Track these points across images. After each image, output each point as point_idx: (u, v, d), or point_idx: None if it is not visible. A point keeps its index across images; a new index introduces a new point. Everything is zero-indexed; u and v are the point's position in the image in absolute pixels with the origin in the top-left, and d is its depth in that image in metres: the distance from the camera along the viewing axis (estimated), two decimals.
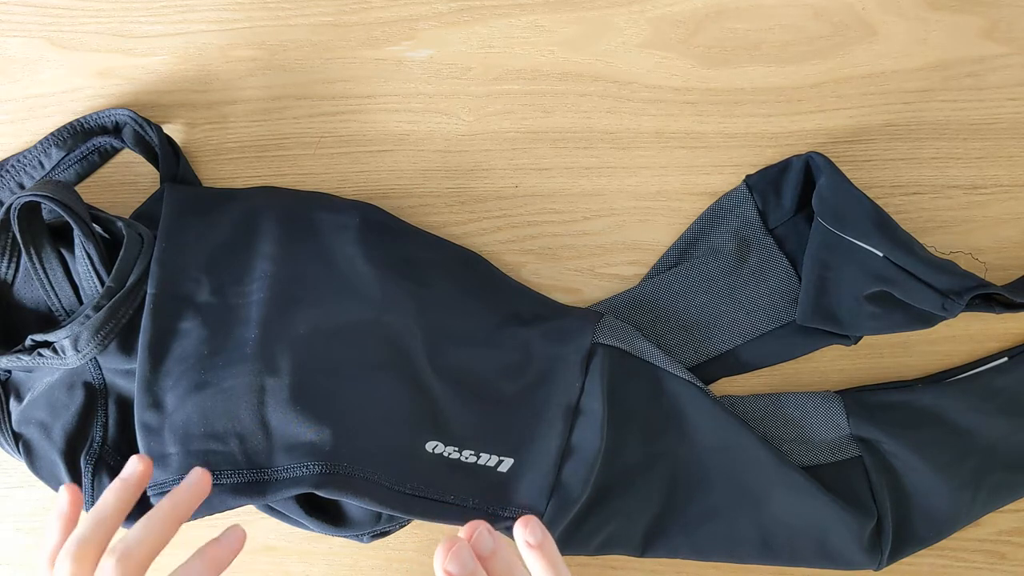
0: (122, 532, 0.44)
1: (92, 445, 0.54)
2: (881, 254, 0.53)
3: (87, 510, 0.54)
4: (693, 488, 0.56)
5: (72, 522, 0.46)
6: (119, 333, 0.52)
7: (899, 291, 0.53)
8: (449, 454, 0.53)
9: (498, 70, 0.59)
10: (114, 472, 0.54)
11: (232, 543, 0.46)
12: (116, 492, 0.46)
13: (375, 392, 0.53)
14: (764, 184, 0.58)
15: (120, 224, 0.52)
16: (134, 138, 0.57)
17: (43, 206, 0.52)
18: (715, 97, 0.59)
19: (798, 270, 0.57)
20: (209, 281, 0.53)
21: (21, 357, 0.51)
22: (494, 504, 0.53)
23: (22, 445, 0.54)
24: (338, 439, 0.52)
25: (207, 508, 0.50)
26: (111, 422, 0.55)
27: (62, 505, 0.46)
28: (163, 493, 0.47)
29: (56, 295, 0.54)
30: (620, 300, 0.59)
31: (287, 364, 0.52)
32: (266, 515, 0.55)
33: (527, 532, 0.44)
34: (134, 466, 0.47)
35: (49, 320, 0.54)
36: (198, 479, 0.47)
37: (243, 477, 0.51)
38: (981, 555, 0.60)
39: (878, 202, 0.56)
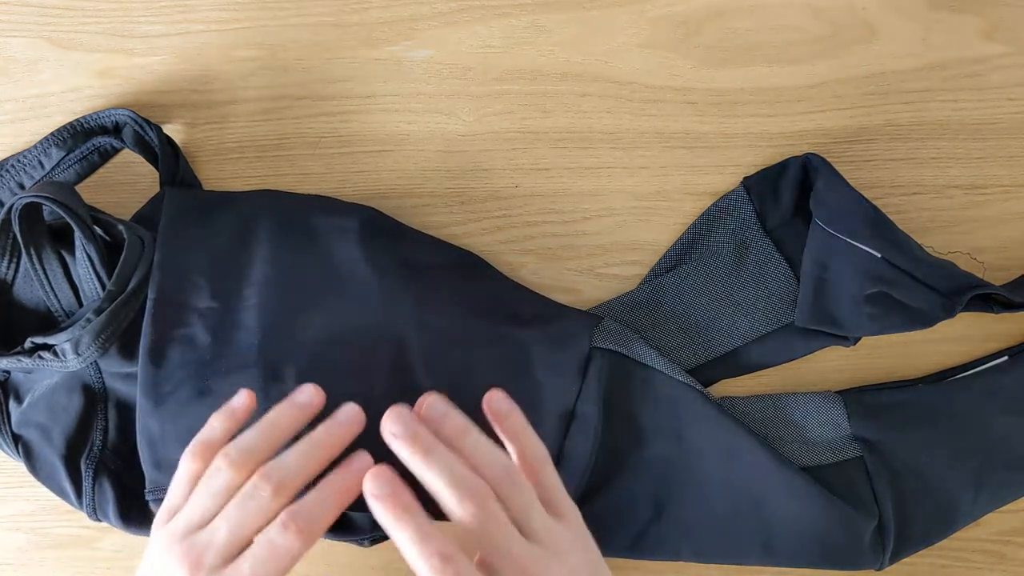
0: None
1: (92, 449, 0.54)
2: (879, 255, 0.53)
3: (87, 512, 0.54)
4: (692, 491, 0.56)
5: (237, 424, 0.45)
6: (120, 337, 0.52)
7: (898, 292, 0.53)
8: None
9: (498, 70, 0.59)
10: (115, 476, 0.54)
11: (360, 468, 0.42)
12: (289, 416, 0.44)
13: (374, 396, 0.53)
14: (762, 186, 0.58)
15: (121, 227, 0.52)
16: (134, 138, 0.57)
17: (44, 207, 0.52)
18: (715, 97, 0.59)
19: (797, 272, 0.57)
20: (209, 286, 0.53)
21: (21, 359, 0.51)
22: None
23: (21, 447, 0.54)
24: None
25: None
26: (111, 426, 0.55)
27: (239, 405, 0.45)
28: (162, 499, 0.47)
29: (56, 296, 0.54)
30: (619, 303, 0.59)
31: (289, 371, 0.52)
32: None
33: (493, 402, 0.44)
34: (311, 395, 0.45)
35: (48, 321, 0.54)
36: (355, 416, 0.44)
37: None
38: (981, 555, 0.60)
39: (878, 202, 0.56)
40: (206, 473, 0.43)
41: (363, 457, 0.43)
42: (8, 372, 0.55)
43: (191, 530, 0.42)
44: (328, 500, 0.42)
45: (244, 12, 0.59)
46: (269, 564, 0.41)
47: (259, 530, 0.41)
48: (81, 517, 0.58)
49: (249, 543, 0.41)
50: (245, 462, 0.42)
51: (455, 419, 0.43)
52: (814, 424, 0.58)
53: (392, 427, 0.41)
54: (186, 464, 0.45)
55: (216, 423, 0.45)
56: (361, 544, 0.57)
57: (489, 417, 0.44)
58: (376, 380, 0.53)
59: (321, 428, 0.43)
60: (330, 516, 0.42)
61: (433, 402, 0.43)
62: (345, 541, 0.56)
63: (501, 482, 0.42)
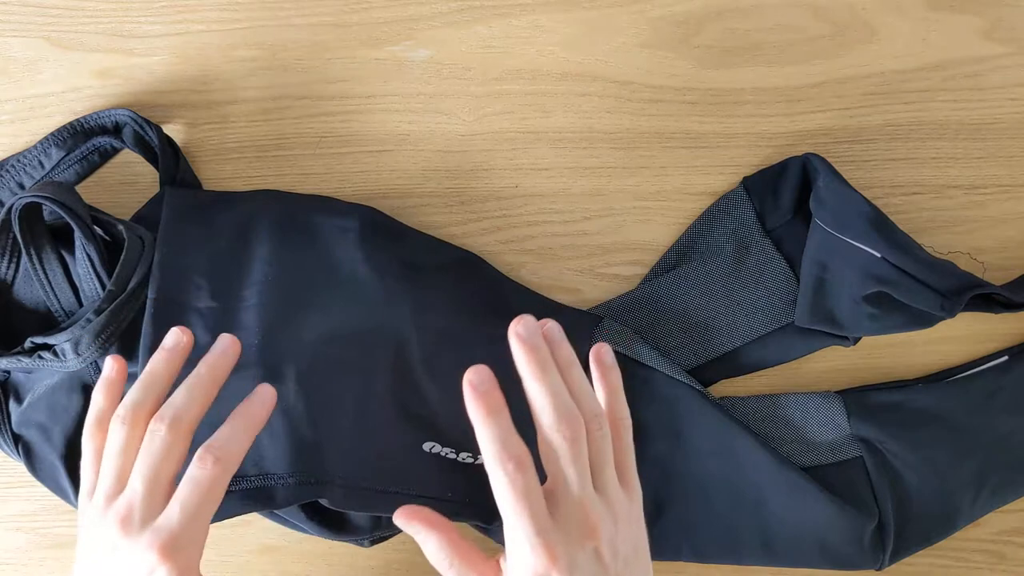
0: None
1: None
2: (879, 255, 0.53)
3: None
4: (692, 490, 0.56)
5: (118, 389, 0.46)
6: (120, 337, 0.52)
7: (897, 292, 0.53)
8: (446, 454, 0.54)
9: (498, 70, 0.59)
10: None
11: (264, 399, 0.46)
12: (164, 361, 0.46)
13: (374, 397, 0.53)
14: (761, 186, 0.58)
15: (121, 227, 0.52)
16: (134, 138, 0.57)
17: (44, 207, 0.52)
18: (715, 97, 0.59)
19: (797, 272, 0.57)
20: (209, 286, 0.53)
21: (21, 359, 0.51)
22: (491, 501, 0.53)
23: (21, 447, 0.54)
24: (340, 447, 0.52)
25: (216, 515, 0.50)
26: None
27: (109, 373, 0.47)
28: None
29: (56, 296, 0.54)
30: (619, 303, 0.59)
31: (290, 370, 0.52)
32: (265, 516, 0.55)
33: (601, 353, 0.46)
34: (178, 336, 0.47)
35: (48, 321, 0.54)
36: (229, 344, 0.47)
37: (252, 483, 0.51)
38: (981, 555, 0.60)
39: (878, 202, 0.56)
40: (106, 441, 0.45)
41: (266, 388, 0.46)
42: (8, 372, 0.55)
43: (111, 496, 0.44)
44: (238, 428, 0.44)
45: (244, 12, 0.59)
46: (196, 498, 0.42)
47: (173, 473, 0.44)
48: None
49: (170, 488, 0.43)
50: (135, 416, 0.44)
51: (567, 350, 0.44)
52: (814, 424, 0.58)
53: (520, 330, 0.42)
54: (88, 444, 0.46)
55: (99, 397, 0.46)
56: (361, 544, 0.57)
57: (593, 364, 0.46)
58: (375, 380, 0.53)
59: (200, 363, 0.45)
60: (243, 443, 0.44)
61: (553, 327, 0.44)
62: (345, 541, 0.56)
63: (591, 423, 0.43)
